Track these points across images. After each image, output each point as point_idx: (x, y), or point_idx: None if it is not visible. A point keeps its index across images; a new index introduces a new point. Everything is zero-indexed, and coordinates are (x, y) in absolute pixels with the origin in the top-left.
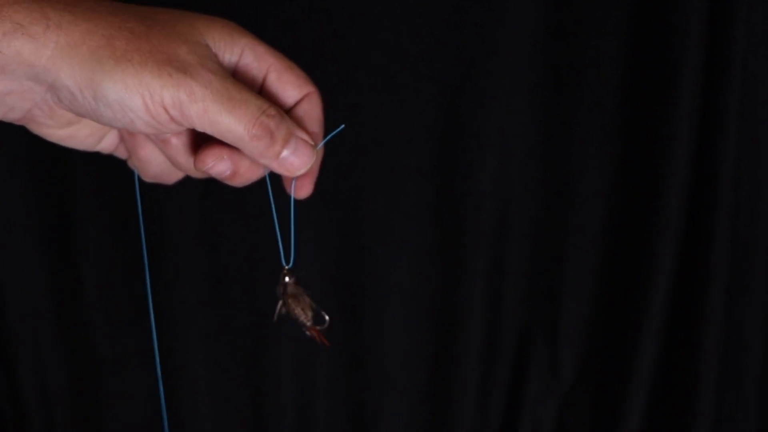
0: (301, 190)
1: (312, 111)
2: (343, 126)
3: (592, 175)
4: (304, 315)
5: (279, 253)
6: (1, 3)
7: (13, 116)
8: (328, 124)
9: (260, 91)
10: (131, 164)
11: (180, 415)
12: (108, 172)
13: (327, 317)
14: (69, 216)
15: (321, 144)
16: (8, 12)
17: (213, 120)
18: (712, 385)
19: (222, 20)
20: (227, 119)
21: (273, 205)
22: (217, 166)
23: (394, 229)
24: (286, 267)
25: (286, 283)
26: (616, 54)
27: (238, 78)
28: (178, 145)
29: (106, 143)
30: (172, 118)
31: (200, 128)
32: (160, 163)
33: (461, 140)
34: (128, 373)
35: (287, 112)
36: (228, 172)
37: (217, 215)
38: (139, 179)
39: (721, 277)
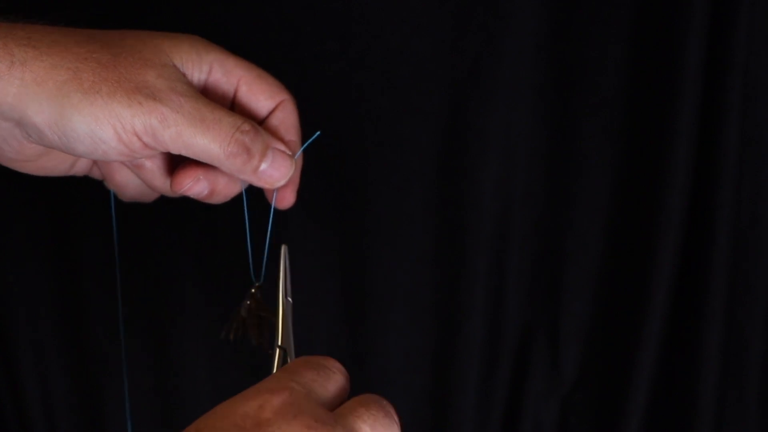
0: (283, 201)
1: (287, 119)
2: (318, 133)
3: (594, 175)
4: (258, 336)
5: (249, 268)
6: None
7: None
8: (330, 121)
9: (233, 104)
10: (108, 186)
11: (180, 415)
12: None
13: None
14: (69, 215)
15: (299, 153)
16: None
17: (188, 143)
18: (713, 384)
19: (188, 37)
20: (202, 140)
21: (247, 220)
22: (194, 187)
23: (396, 229)
24: (257, 283)
25: (253, 300)
26: (619, 55)
27: (209, 94)
28: (153, 168)
29: (79, 168)
30: (145, 145)
31: (175, 152)
32: (136, 186)
33: (464, 140)
34: (130, 373)
35: (262, 122)
36: (205, 192)
37: (220, 213)
38: (116, 198)
39: (723, 278)
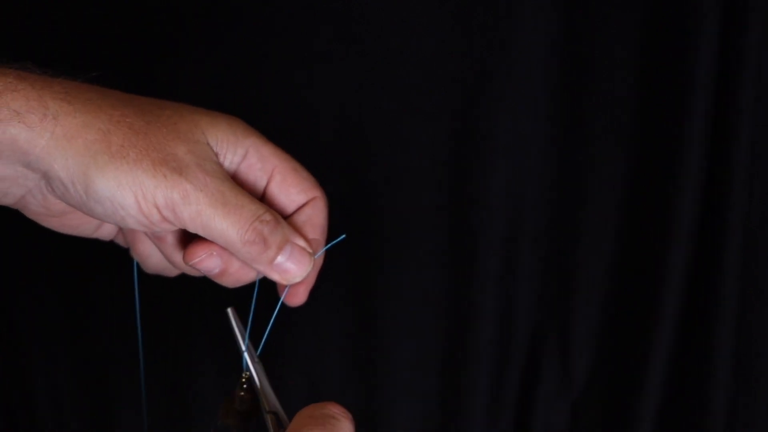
0: (295, 298)
1: (315, 217)
2: (344, 236)
3: (604, 177)
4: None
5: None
6: (1, 89)
7: (6, 201)
8: (339, 124)
9: (264, 192)
10: (132, 255)
11: (187, 415)
12: None
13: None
14: None
15: (320, 252)
16: (6, 99)
17: (206, 224)
18: (724, 388)
19: (228, 119)
20: (220, 224)
21: (252, 310)
22: (206, 261)
23: (407, 231)
24: (244, 372)
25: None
26: (631, 57)
27: (239, 178)
28: (174, 242)
29: (104, 232)
30: (164, 218)
31: (192, 230)
32: (159, 259)
33: (474, 142)
34: (138, 374)
35: (289, 216)
36: (217, 270)
37: None
38: (139, 269)
39: (734, 281)
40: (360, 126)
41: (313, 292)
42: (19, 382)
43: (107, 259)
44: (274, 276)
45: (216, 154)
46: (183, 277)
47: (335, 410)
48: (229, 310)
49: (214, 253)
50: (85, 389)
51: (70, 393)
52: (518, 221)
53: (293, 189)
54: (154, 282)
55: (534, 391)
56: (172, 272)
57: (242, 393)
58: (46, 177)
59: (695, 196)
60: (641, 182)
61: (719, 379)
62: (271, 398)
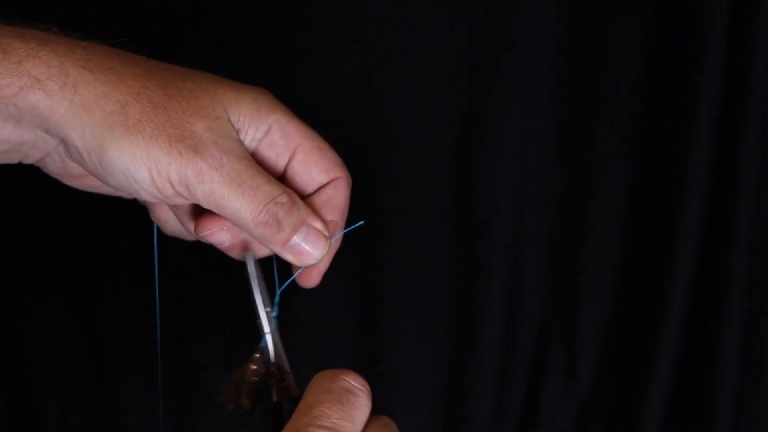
0: (308, 280)
1: (336, 198)
2: (362, 222)
3: (610, 178)
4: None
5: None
6: (23, 56)
7: (27, 161)
8: (345, 124)
9: (284, 170)
10: (151, 217)
11: (194, 415)
12: None
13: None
14: (84, 216)
15: (337, 236)
16: (27, 66)
17: (219, 203)
18: (730, 390)
19: (253, 93)
20: (234, 203)
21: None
22: (216, 235)
23: (412, 231)
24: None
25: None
26: (636, 57)
27: (260, 154)
28: (188, 211)
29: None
30: (178, 193)
31: (206, 206)
32: (176, 224)
33: (478, 143)
34: (143, 373)
35: (309, 195)
36: (227, 243)
37: None
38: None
39: (740, 282)
40: (360, 126)
41: (315, 292)
42: (23, 381)
43: (112, 257)
44: (288, 257)
45: (237, 131)
46: (188, 276)
47: (354, 382)
48: (249, 258)
49: (225, 227)
50: (89, 388)
51: (73, 392)
52: (523, 222)
53: (315, 168)
54: (160, 279)
55: (539, 392)
56: (189, 237)
57: (254, 366)
58: (64, 143)
59: (702, 197)
60: (647, 183)
61: (725, 380)
62: (279, 352)
